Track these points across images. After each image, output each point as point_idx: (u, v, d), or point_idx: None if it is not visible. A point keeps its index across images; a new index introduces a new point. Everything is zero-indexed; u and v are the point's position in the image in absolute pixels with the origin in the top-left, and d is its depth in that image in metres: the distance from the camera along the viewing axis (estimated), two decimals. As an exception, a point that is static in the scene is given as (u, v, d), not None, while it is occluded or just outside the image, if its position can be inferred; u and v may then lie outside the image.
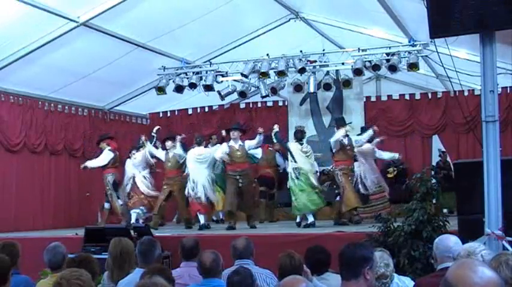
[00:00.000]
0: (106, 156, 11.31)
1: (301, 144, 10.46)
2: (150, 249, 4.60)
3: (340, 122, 10.43)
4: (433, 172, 12.24)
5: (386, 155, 10.88)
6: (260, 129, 10.48)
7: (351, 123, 10.88)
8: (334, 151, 10.20)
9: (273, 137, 10.92)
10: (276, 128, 10.77)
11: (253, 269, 4.17)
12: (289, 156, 10.50)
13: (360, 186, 10.38)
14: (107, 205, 11.43)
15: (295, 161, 10.25)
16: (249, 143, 10.47)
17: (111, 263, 4.66)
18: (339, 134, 10.12)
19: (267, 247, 6.98)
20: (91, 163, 11.31)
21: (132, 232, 8.07)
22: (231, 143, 10.39)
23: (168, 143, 10.95)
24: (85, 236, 8.46)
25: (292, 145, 10.51)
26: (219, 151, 10.46)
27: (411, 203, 7.18)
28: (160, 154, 11.06)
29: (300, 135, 10.63)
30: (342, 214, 10.27)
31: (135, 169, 11.19)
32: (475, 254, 3.61)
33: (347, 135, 10.18)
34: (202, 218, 10.55)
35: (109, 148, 11.41)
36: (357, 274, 2.92)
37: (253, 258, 4.84)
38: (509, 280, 2.99)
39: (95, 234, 8.36)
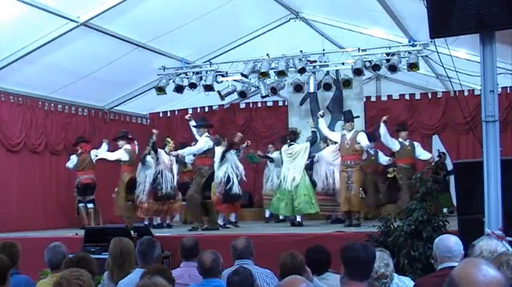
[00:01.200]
0: (73, 159, 11.73)
1: (289, 145, 10.40)
2: (150, 249, 4.60)
3: (348, 116, 10.44)
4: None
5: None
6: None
7: (358, 116, 10.88)
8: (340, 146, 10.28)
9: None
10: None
11: (253, 269, 4.17)
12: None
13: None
14: (89, 205, 11.50)
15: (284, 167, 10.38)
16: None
17: (111, 263, 4.65)
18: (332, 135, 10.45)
19: (267, 247, 6.98)
20: (68, 166, 11.84)
21: (132, 232, 8.08)
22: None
23: (121, 142, 11.45)
24: (85, 236, 8.45)
25: (283, 148, 10.51)
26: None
27: (411, 203, 7.19)
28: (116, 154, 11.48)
29: (292, 136, 10.60)
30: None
31: None
32: (497, 252, 3.61)
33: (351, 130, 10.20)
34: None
35: (79, 151, 11.67)
36: (369, 274, 3.00)
37: (253, 258, 4.84)
38: (509, 281, 2.99)
39: (95, 234, 8.35)
